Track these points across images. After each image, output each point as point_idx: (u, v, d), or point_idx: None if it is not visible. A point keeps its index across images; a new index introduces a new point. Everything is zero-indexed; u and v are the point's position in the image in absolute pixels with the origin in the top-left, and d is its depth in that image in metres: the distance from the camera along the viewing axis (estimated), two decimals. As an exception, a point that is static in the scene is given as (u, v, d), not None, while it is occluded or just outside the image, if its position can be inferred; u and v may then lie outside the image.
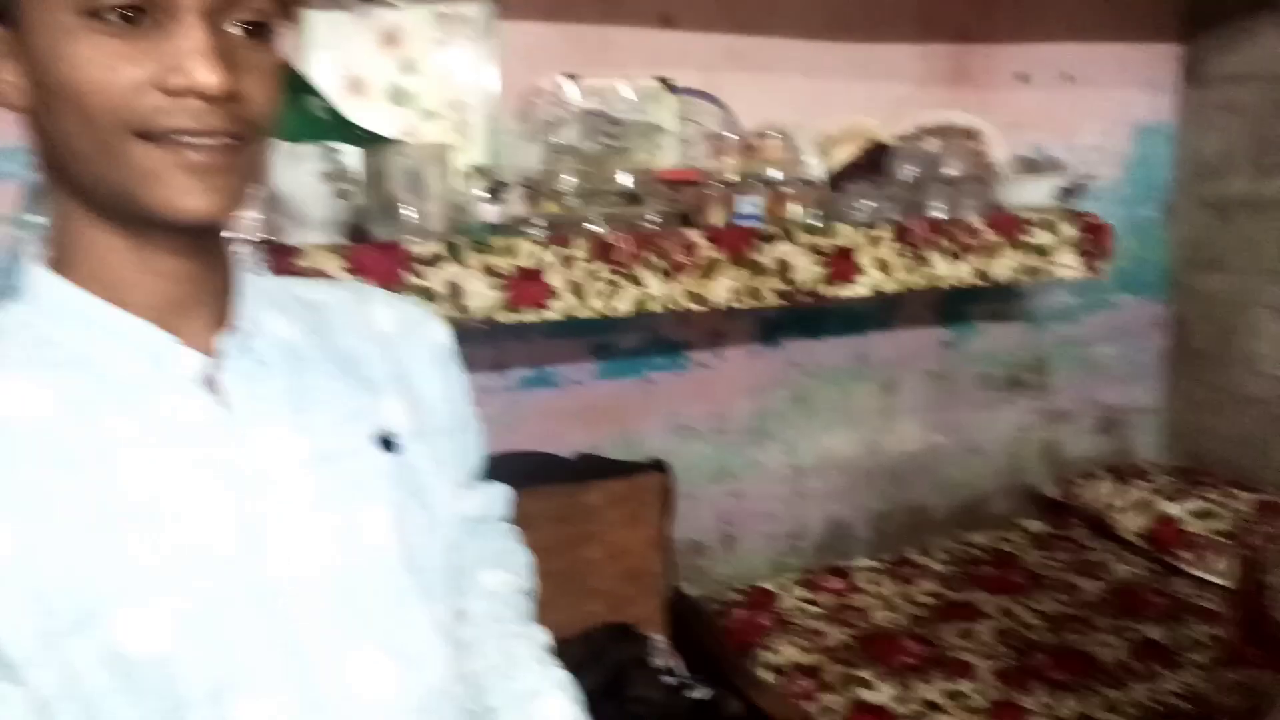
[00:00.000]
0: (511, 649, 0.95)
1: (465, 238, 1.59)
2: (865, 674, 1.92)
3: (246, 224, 1.27)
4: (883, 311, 2.46)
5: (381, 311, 0.92)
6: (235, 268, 0.79)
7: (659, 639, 1.95)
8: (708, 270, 1.77)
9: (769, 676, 1.99)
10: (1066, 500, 2.69)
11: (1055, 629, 2.11)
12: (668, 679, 1.84)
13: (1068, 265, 2.11)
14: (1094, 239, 2.13)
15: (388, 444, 0.84)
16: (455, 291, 1.56)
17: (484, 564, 1.01)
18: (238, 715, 0.69)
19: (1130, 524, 2.50)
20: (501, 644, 0.95)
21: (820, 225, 1.90)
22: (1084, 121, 2.64)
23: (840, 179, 2.09)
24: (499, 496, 1.08)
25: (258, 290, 0.81)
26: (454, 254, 1.56)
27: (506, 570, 1.03)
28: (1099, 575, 2.38)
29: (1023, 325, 2.67)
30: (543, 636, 1.00)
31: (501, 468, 1.11)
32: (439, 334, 0.97)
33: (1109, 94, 2.66)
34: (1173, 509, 2.44)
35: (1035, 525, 2.68)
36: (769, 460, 2.41)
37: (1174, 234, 2.82)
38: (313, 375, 0.81)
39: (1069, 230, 2.11)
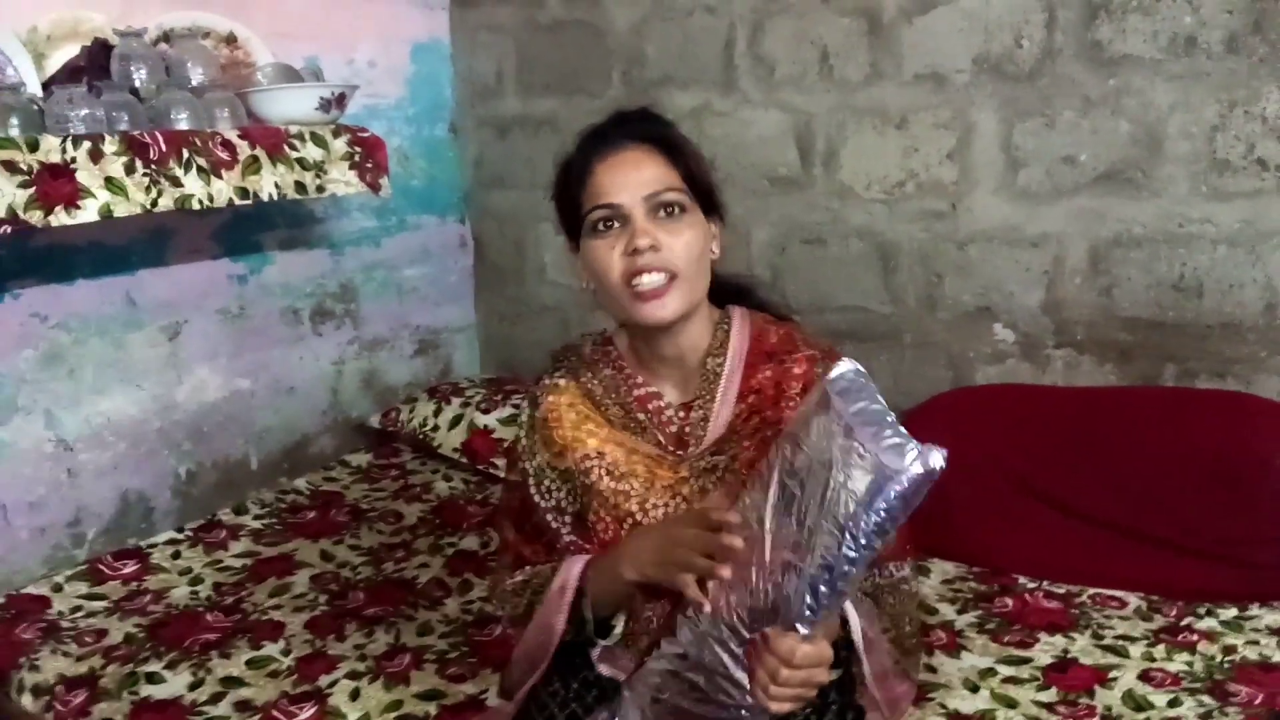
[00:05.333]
0: None
1: None
2: (153, 667, 1.64)
3: None
4: (151, 244, 2.12)
5: None
6: None
7: None
8: None
9: (31, 703, 1.61)
10: (391, 428, 2.65)
11: (375, 562, 2.03)
12: None
13: (343, 181, 1.98)
14: (368, 154, 2.03)
15: None
16: None
17: None
18: None
19: (450, 441, 2.53)
20: None
21: (14, 138, 1.51)
22: (360, 36, 2.54)
23: (54, 84, 1.70)
24: None
25: None
26: None
27: None
28: (423, 498, 2.37)
29: (322, 252, 2.52)
30: None
31: None
32: None
33: (381, 8, 2.58)
34: (485, 419, 2.52)
35: (360, 459, 2.59)
36: (21, 438, 1.95)
37: (463, 153, 2.88)
38: None
39: (339, 145, 1.98)
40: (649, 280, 1.15)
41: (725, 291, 1.30)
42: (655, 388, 1.27)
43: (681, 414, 1.25)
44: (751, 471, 1.09)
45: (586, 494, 1.25)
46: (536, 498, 1.29)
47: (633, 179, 1.16)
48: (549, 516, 1.29)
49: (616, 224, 1.17)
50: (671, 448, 1.24)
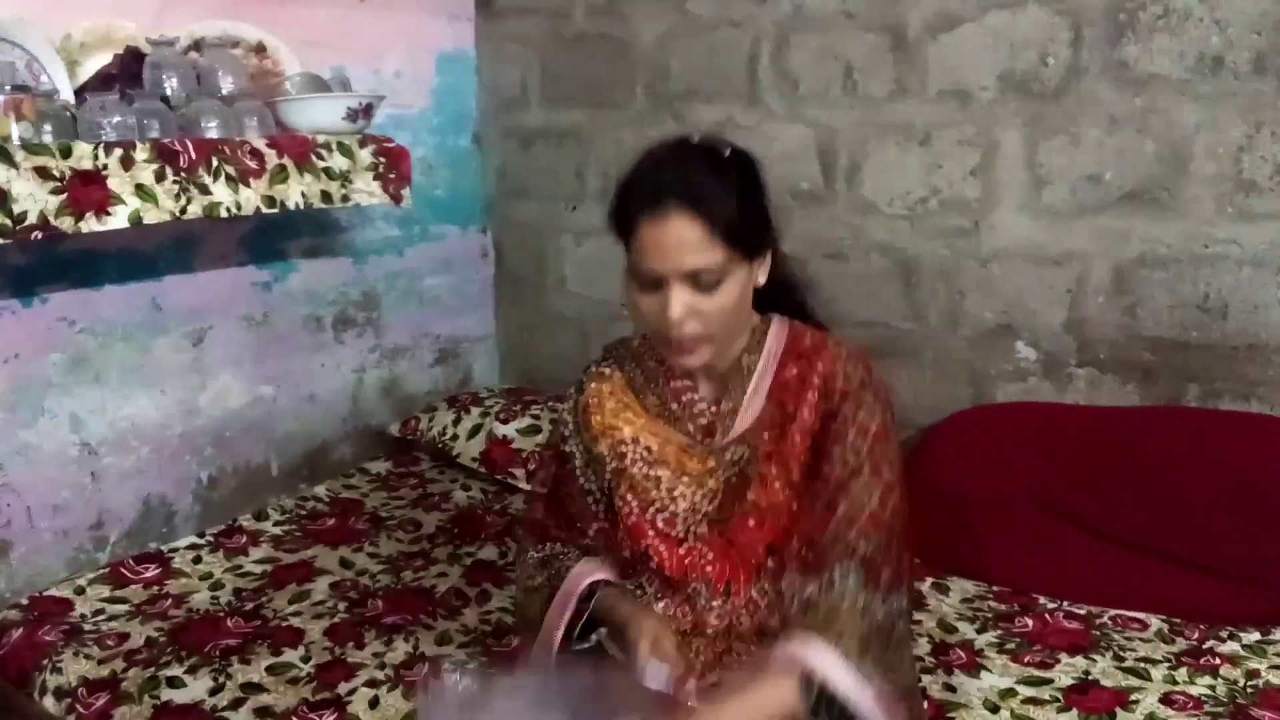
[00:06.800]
0: None
1: None
2: (174, 671, 1.65)
3: None
4: (178, 250, 2.14)
5: None
6: None
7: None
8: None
9: (53, 705, 1.62)
10: (410, 436, 2.66)
11: (394, 570, 2.03)
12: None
13: (368, 191, 1.99)
14: (392, 164, 2.04)
15: None
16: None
17: None
18: None
19: (469, 451, 2.53)
20: None
21: (48, 144, 1.53)
22: (387, 47, 2.56)
23: (87, 91, 1.72)
24: None
25: None
26: None
27: None
28: (441, 507, 2.37)
29: (345, 261, 2.53)
30: None
31: None
32: None
33: (408, 19, 2.61)
34: (504, 429, 2.52)
35: (380, 467, 2.60)
36: (47, 441, 1.97)
37: (486, 164, 2.90)
38: None
39: (365, 155, 2.00)
40: (680, 334, 1.18)
41: (772, 284, 1.29)
42: (690, 381, 1.32)
43: (713, 408, 1.29)
44: None
45: (617, 477, 1.32)
46: (580, 479, 1.38)
47: (672, 254, 1.15)
48: (588, 499, 1.37)
49: (655, 283, 1.18)
50: (701, 438, 1.30)
